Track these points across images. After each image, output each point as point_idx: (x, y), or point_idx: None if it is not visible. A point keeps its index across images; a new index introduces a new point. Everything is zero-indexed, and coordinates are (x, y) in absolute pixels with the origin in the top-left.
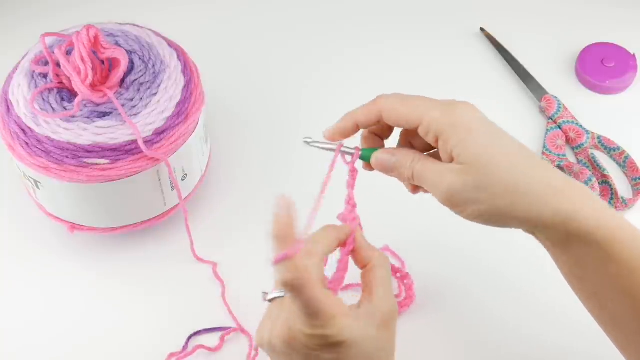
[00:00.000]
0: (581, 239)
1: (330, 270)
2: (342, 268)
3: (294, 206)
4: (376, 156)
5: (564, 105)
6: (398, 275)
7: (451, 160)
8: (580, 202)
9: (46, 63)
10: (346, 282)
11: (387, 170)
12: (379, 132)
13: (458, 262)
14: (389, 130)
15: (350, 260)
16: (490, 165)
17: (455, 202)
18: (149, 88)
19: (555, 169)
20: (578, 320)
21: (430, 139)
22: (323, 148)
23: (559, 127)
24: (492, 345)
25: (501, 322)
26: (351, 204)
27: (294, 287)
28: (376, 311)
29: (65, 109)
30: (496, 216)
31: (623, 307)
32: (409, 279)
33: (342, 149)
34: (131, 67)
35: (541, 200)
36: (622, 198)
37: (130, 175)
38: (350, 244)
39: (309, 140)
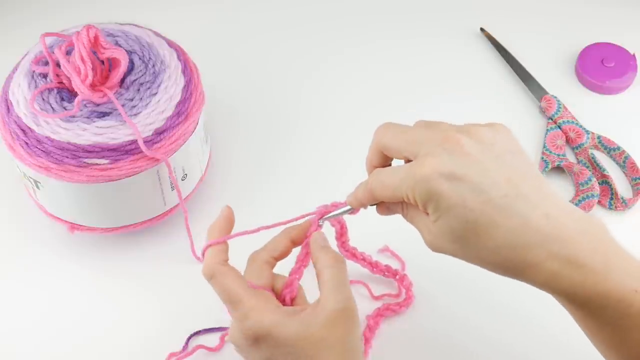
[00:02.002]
0: (562, 299)
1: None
2: (300, 259)
3: (231, 212)
4: (378, 208)
5: (564, 105)
6: (397, 277)
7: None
8: (561, 274)
9: (46, 63)
10: (351, 277)
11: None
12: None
13: (458, 263)
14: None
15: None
16: (462, 242)
17: (439, 252)
18: (149, 88)
19: (537, 218)
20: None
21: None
22: (339, 213)
23: (559, 127)
24: (491, 347)
25: (501, 323)
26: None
27: (208, 276)
28: (320, 311)
29: (65, 109)
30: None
31: (610, 353)
32: (407, 280)
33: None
34: (131, 67)
35: (519, 274)
36: (622, 198)
37: (130, 175)
38: (303, 247)
39: (322, 223)
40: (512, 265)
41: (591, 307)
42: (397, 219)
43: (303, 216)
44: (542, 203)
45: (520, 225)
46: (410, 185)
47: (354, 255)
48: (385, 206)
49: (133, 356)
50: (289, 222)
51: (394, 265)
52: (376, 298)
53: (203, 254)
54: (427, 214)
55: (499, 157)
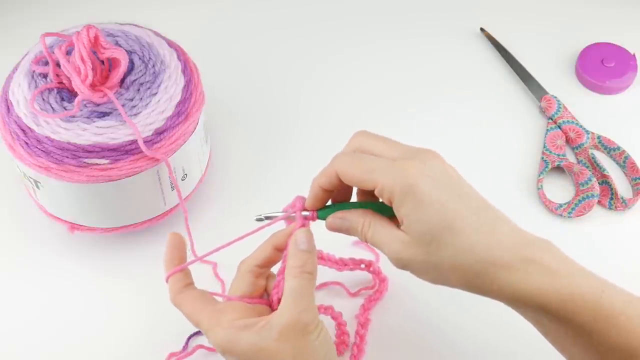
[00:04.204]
0: (535, 308)
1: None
2: (285, 263)
3: (182, 238)
4: (329, 221)
5: (564, 105)
6: (362, 265)
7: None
8: (532, 275)
9: (46, 63)
10: (325, 280)
11: (343, 233)
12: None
13: None
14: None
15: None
16: (436, 244)
17: (407, 269)
18: (149, 88)
19: (506, 229)
20: None
21: (385, 201)
22: (278, 218)
23: (559, 127)
24: (464, 336)
25: (473, 312)
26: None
27: (174, 306)
28: (274, 323)
29: (65, 109)
30: (445, 283)
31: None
32: (374, 266)
33: (298, 213)
34: (131, 67)
35: (491, 279)
36: (622, 198)
37: (130, 175)
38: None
39: (260, 217)
40: (484, 268)
41: (564, 313)
42: None
43: (257, 230)
44: (506, 220)
45: (491, 229)
46: (390, 174)
47: (320, 258)
48: (337, 219)
49: (133, 356)
50: (245, 236)
51: (368, 257)
52: (353, 294)
53: (166, 280)
54: (399, 215)
55: (465, 181)
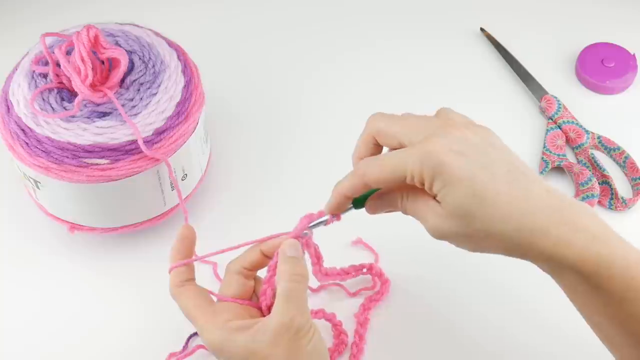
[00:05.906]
0: (571, 271)
1: None
2: (272, 268)
3: (193, 232)
4: (368, 207)
5: (564, 105)
6: (364, 270)
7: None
8: (569, 239)
9: (46, 63)
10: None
11: (385, 211)
12: None
13: (432, 255)
14: None
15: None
16: (470, 217)
17: (445, 240)
18: (149, 88)
19: (540, 192)
20: (556, 310)
21: (417, 185)
22: (319, 224)
23: (559, 127)
24: (464, 337)
25: (474, 313)
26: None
27: (172, 298)
28: (267, 327)
29: (65, 109)
30: (484, 251)
31: (615, 331)
32: (377, 268)
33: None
34: (131, 67)
35: (528, 245)
36: (622, 198)
37: (130, 175)
38: (275, 256)
39: (308, 232)
40: (520, 235)
41: (598, 279)
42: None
43: (274, 236)
44: (540, 181)
45: (524, 195)
46: (417, 159)
47: (325, 274)
48: (377, 201)
49: (133, 356)
50: (255, 242)
51: (367, 257)
52: (352, 294)
53: (170, 272)
54: (432, 193)
55: (494, 145)
